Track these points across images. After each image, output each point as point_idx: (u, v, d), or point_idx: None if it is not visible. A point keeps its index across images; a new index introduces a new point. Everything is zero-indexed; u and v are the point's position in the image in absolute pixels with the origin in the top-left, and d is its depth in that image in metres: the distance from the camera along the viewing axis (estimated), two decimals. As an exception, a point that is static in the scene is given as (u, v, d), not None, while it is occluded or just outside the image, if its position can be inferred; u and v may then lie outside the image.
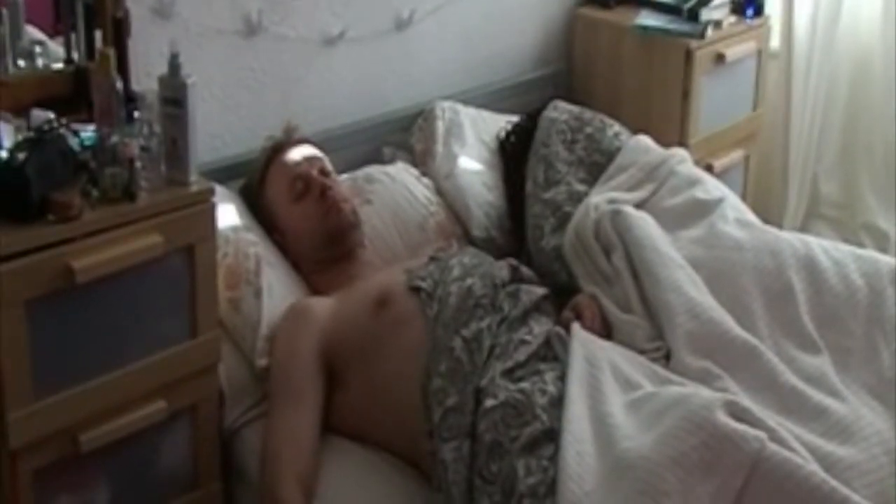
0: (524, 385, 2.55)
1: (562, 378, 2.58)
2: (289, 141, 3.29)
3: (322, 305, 3.01)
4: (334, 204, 3.17)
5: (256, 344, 2.94)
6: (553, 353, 2.72)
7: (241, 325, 2.98)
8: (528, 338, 2.73)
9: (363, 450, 2.80)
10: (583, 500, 2.27)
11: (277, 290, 3.04)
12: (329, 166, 3.30)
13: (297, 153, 3.26)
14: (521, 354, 2.67)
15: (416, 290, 2.91)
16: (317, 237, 3.15)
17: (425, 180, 3.59)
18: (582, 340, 2.69)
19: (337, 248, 3.16)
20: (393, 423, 2.78)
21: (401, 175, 3.54)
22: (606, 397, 2.52)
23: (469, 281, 2.89)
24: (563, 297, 3.05)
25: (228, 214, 3.11)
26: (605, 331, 2.89)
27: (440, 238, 3.42)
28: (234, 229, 3.07)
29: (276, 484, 2.67)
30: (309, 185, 3.17)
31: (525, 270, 3.06)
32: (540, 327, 2.80)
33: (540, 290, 2.97)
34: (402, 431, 2.75)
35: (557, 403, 2.50)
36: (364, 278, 3.11)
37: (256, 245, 3.08)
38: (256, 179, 3.25)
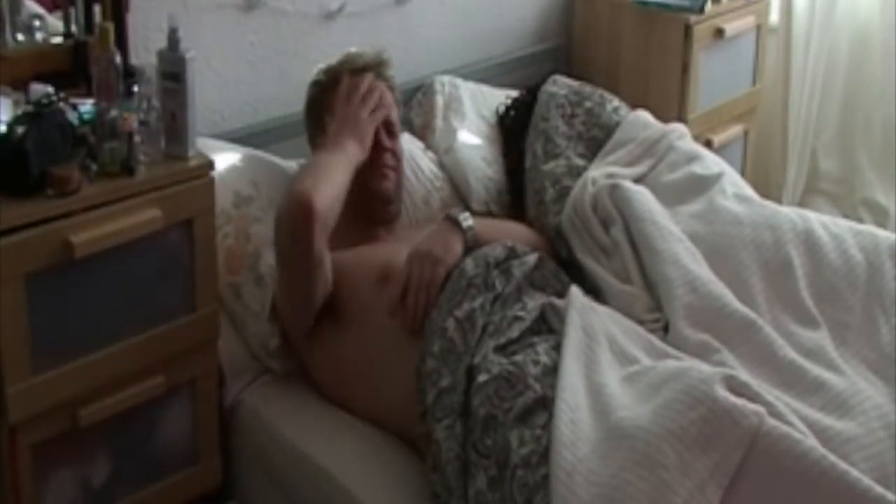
0: (517, 358, 2.55)
1: (555, 348, 2.57)
2: (379, 66, 3.20)
3: None
4: (382, 168, 3.10)
5: (265, 327, 2.94)
6: (548, 326, 2.70)
7: (242, 312, 2.98)
8: (521, 314, 2.70)
9: (370, 428, 2.81)
10: (576, 467, 2.26)
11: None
12: (397, 124, 3.22)
13: (383, 89, 3.16)
14: (515, 331, 2.64)
15: None
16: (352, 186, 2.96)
17: (430, 154, 3.58)
18: (579, 310, 2.68)
19: (363, 209, 3.07)
20: (386, 399, 2.79)
21: (407, 146, 3.49)
22: (602, 369, 2.51)
23: (461, 261, 2.86)
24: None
25: (230, 166, 3.09)
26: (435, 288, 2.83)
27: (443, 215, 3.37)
28: (236, 204, 3.04)
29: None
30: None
31: (521, 248, 2.99)
32: (534, 302, 2.76)
33: (532, 259, 2.91)
34: (394, 408, 2.76)
35: (550, 372, 2.49)
36: (373, 249, 3.04)
37: (259, 222, 3.04)
38: (331, 76, 3.16)
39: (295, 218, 2.70)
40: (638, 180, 3.26)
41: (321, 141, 3.03)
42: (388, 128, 3.14)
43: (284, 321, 2.92)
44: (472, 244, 2.91)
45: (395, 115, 3.19)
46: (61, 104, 2.55)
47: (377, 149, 3.07)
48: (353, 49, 3.24)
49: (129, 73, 2.65)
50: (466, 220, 2.95)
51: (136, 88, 2.63)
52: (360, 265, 2.92)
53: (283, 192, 2.80)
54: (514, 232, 3.12)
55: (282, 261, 2.82)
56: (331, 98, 3.10)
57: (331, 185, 2.77)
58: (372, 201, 3.10)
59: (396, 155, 3.17)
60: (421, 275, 2.81)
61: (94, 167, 2.52)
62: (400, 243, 3.01)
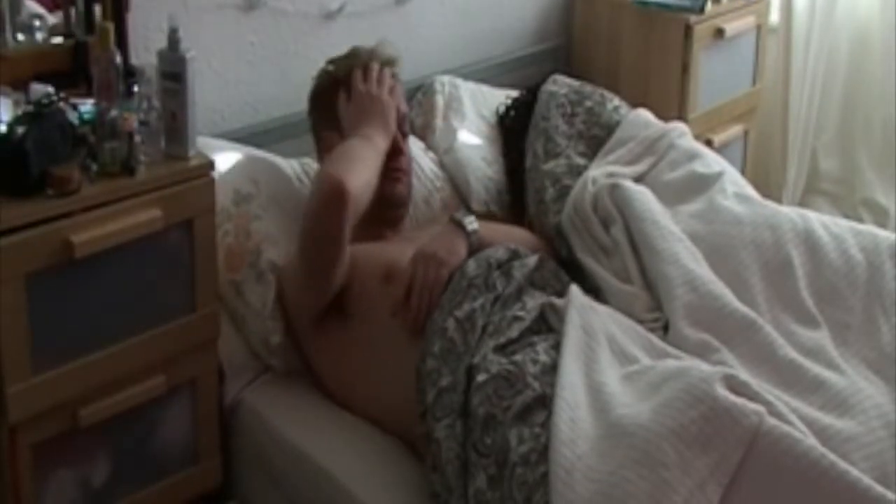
0: (516, 357, 2.54)
1: (555, 347, 2.57)
2: (391, 64, 3.17)
3: None
4: (395, 172, 3.08)
5: (266, 324, 2.94)
6: (547, 326, 2.70)
7: (243, 310, 2.98)
8: (521, 314, 2.70)
9: (370, 428, 2.81)
10: (575, 464, 2.26)
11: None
12: (408, 120, 3.22)
13: (400, 89, 3.15)
14: (514, 331, 2.64)
15: None
16: None
17: (431, 154, 3.57)
18: (579, 309, 2.68)
19: (373, 211, 3.00)
20: (386, 397, 2.79)
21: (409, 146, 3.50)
22: (602, 368, 2.51)
23: (464, 263, 2.86)
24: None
25: (230, 163, 3.08)
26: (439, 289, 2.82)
27: (444, 215, 3.33)
28: (236, 201, 3.03)
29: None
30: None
31: (523, 250, 2.99)
32: (534, 301, 2.76)
33: (532, 260, 2.91)
34: (393, 407, 2.76)
35: (550, 371, 2.49)
36: (380, 248, 3.02)
37: (259, 220, 3.03)
38: (343, 71, 3.13)
39: (328, 200, 2.70)
40: (638, 179, 3.26)
41: (340, 115, 3.05)
42: (401, 126, 3.13)
43: (294, 306, 2.91)
44: (476, 247, 2.92)
45: (405, 107, 3.20)
46: (61, 104, 2.55)
47: (393, 152, 3.06)
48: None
49: (130, 73, 2.65)
50: (471, 223, 2.95)
51: (136, 88, 2.63)
52: (367, 262, 2.91)
53: (314, 178, 2.79)
54: (517, 236, 3.12)
55: (307, 244, 2.80)
56: (344, 83, 3.09)
57: (363, 171, 2.78)
58: (384, 205, 3.07)
59: (408, 157, 3.17)
60: (425, 276, 2.81)
61: (94, 167, 2.52)
62: (405, 244, 3.01)
